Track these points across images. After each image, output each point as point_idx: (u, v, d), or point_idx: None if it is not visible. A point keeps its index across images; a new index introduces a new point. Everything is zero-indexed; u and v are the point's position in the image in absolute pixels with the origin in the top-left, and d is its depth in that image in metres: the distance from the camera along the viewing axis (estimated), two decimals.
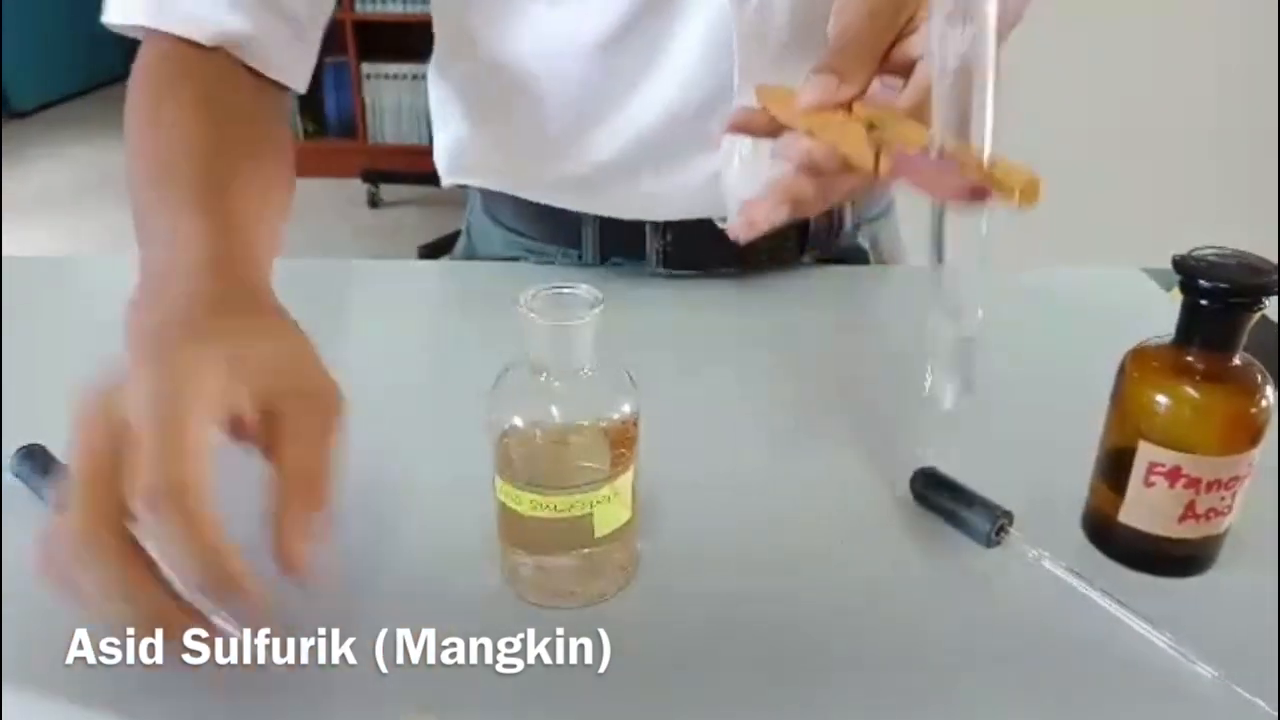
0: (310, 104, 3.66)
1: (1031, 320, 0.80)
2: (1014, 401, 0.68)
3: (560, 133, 0.79)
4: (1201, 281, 0.48)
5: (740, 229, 0.56)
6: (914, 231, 0.95)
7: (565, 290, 0.46)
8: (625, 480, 0.49)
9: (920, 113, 0.49)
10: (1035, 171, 0.41)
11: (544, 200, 0.84)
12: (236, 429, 0.45)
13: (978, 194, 0.41)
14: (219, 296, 0.49)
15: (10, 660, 0.45)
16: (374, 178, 3.44)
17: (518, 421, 0.47)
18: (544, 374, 0.47)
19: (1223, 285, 0.47)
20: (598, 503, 0.48)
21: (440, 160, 0.87)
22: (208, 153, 0.58)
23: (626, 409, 0.48)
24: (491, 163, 0.85)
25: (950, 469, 0.58)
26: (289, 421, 0.46)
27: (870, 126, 0.49)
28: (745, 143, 0.75)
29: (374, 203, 3.46)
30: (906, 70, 0.53)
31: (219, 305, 0.48)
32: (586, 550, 0.49)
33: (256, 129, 0.65)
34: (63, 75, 4.22)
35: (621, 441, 0.48)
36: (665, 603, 0.51)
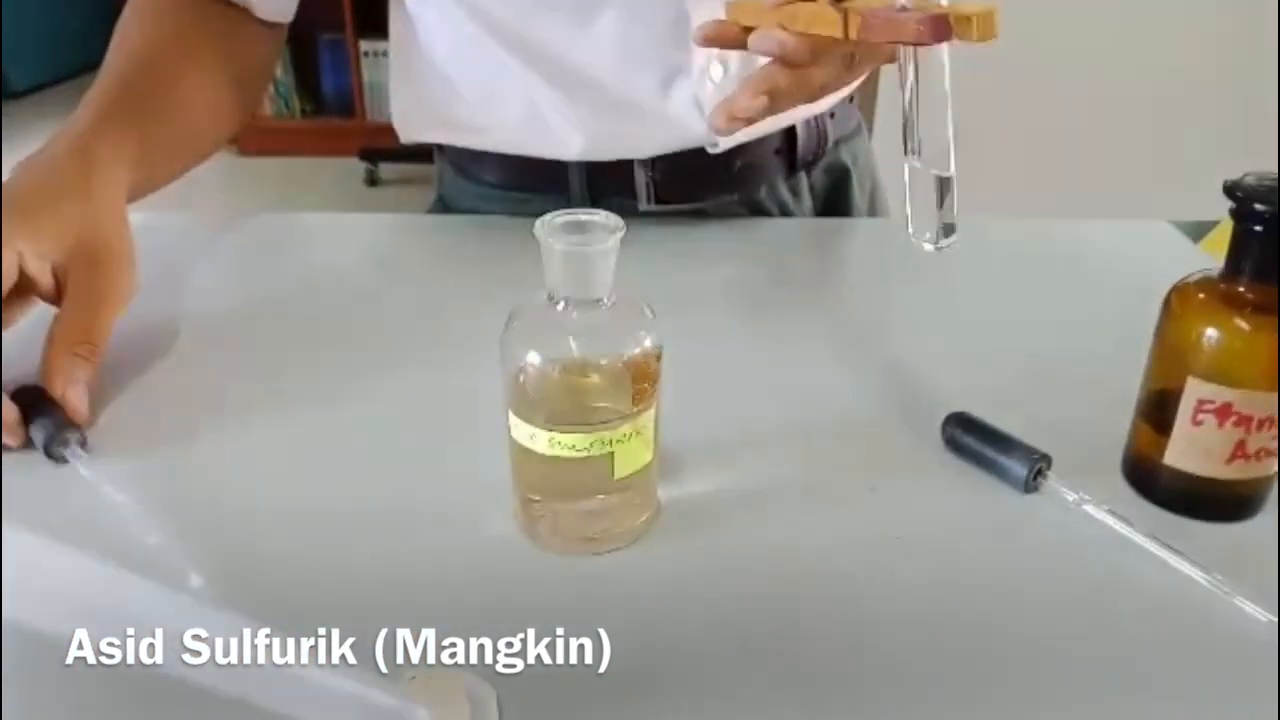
0: (307, 83, 3.62)
1: (1061, 269, 0.78)
2: (1045, 346, 0.66)
3: (514, 74, 0.77)
4: (1257, 205, 0.45)
5: (721, 121, 0.57)
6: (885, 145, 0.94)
7: (584, 216, 0.44)
8: (647, 418, 0.46)
9: None
10: (992, 4, 0.47)
11: (522, 151, 0.80)
12: (33, 288, 0.58)
13: (939, 26, 0.46)
14: (42, 173, 0.62)
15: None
16: (372, 156, 3.40)
17: (534, 356, 0.45)
18: (561, 304, 0.44)
19: None
20: (618, 441, 0.45)
21: (395, 116, 0.85)
22: (123, 66, 0.71)
23: (648, 342, 0.45)
24: (453, 116, 0.82)
25: (982, 412, 0.55)
26: (71, 280, 0.58)
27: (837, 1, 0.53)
28: (717, 67, 0.75)
29: (372, 181, 3.42)
30: None
31: (36, 180, 0.61)
32: (605, 495, 0.47)
33: (191, 44, 0.74)
34: (57, 56, 4.17)
35: (643, 376, 0.45)
36: (687, 542, 0.49)
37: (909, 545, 0.50)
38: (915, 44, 0.48)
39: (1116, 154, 2.14)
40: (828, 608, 0.46)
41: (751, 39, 0.56)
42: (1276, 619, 0.44)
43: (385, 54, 3.50)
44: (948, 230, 0.50)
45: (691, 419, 0.53)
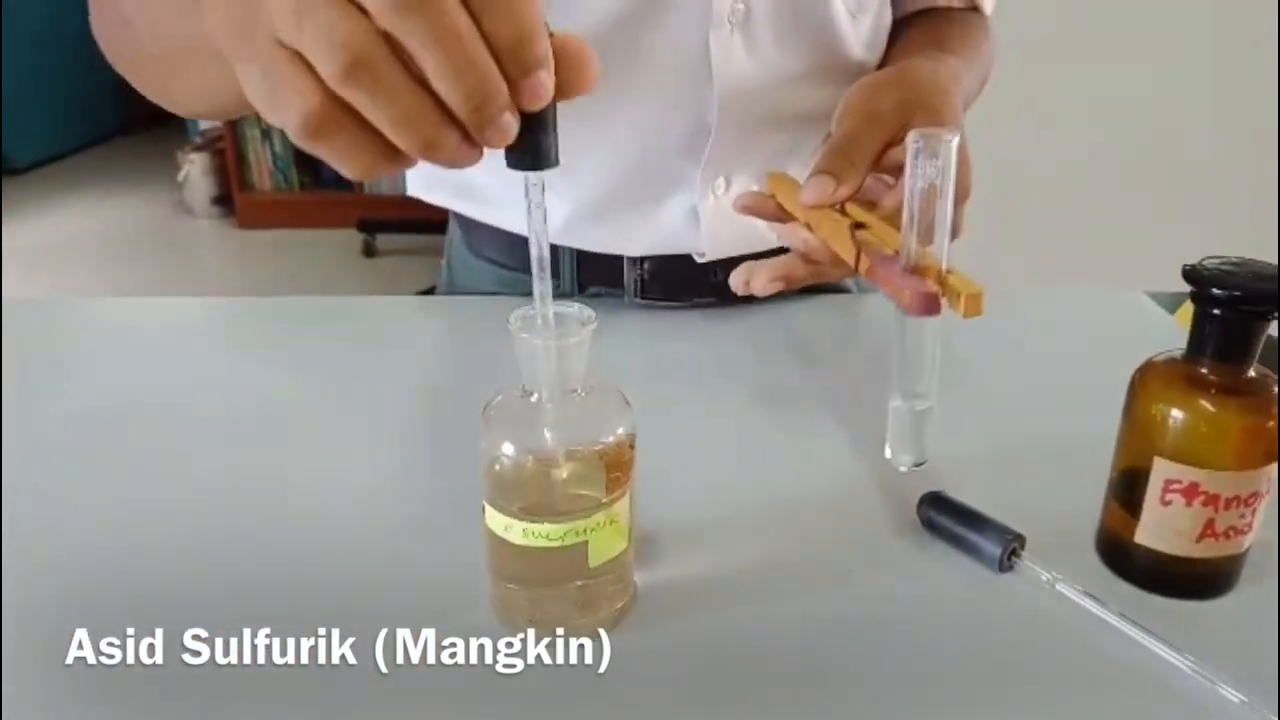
0: (305, 156, 3.67)
1: (1035, 340, 0.79)
2: (1019, 422, 0.66)
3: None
4: (1215, 290, 0.46)
5: (738, 286, 0.62)
6: None
7: (556, 309, 0.45)
8: (622, 506, 0.47)
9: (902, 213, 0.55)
10: (981, 285, 0.49)
11: (518, 230, 0.81)
12: None
13: (930, 303, 0.49)
14: None
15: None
16: (370, 227, 3.43)
17: (509, 447, 0.46)
18: (535, 396, 0.45)
19: (1236, 293, 0.46)
20: (593, 530, 0.46)
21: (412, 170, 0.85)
22: None
23: (621, 430, 0.46)
24: (458, 183, 0.83)
25: (956, 493, 0.56)
26: None
27: (858, 226, 0.56)
28: (720, 181, 0.76)
29: (369, 252, 3.45)
30: (897, 171, 0.59)
31: None
32: (581, 582, 0.47)
33: None
34: (57, 134, 4.23)
35: (617, 464, 0.46)
36: (665, 627, 0.49)
37: (885, 626, 0.50)
38: (907, 312, 0.51)
39: (1094, 221, 2.16)
40: (805, 690, 0.46)
41: (782, 233, 0.61)
42: (1248, 699, 0.44)
43: None
44: (919, 460, 0.54)
45: (668, 501, 0.54)
